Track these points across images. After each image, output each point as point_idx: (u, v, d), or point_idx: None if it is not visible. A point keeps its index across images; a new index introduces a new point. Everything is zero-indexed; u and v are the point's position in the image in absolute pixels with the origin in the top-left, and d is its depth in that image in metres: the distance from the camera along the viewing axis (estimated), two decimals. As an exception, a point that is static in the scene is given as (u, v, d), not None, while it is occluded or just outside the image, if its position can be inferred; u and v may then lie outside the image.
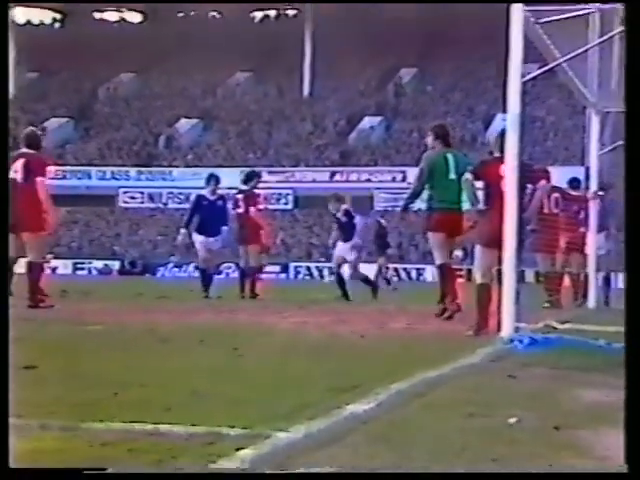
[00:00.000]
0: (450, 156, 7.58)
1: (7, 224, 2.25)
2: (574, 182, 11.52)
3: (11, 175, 8.04)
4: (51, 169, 8.91)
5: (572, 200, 10.82)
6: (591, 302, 10.18)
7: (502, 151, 6.11)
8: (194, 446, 2.33)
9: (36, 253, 8.20)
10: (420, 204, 8.10)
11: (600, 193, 10.17)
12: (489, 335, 5.79)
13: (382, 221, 20.75)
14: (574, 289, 11.09)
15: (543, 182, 6.46)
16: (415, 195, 7.83)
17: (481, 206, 6.28)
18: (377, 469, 2.17)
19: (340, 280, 12.05)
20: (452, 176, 7.46)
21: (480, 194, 6.34)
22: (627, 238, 2.22)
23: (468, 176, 6.33)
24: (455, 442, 2.54)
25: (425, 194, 7.75)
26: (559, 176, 12.06)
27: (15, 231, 7.87)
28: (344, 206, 12.34)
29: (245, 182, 12.08)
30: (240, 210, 11.67)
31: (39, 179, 8.20)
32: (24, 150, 8.44)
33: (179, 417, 2.67)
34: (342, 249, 11.97)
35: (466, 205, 6.54)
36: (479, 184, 6.34)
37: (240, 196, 11.79)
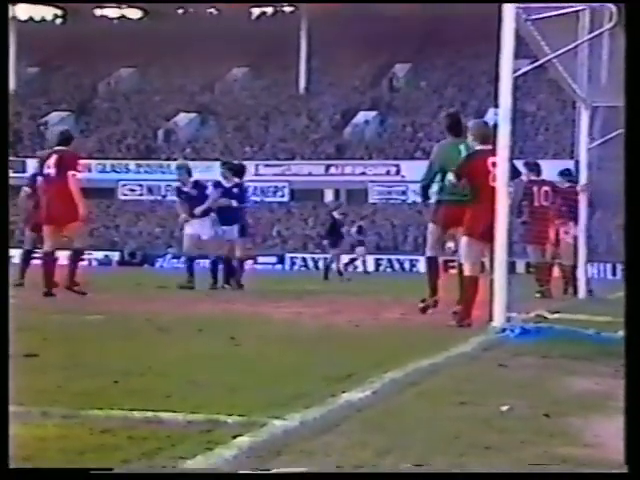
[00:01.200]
0: (462, 147, 7.11)
1: (7, 223, 2.30)
2: (565, 172, 11.61)
3: (45, 171, 8.69)
4: (82, 164, 9.37)
5: (562, 193, 10.94)
6: (581, 292, 10.29)
7: (483, 142, 6.15)
8: (193, 433, 2.35)
9: (80, 240, 8.86)
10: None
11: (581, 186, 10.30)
12: (471, 326, 5.84)
13: (336, 214, 21.06)
14: (564, 280, 11.21)
15: (518, 179, 6.48)
16: (427, 187, 7.48)
17: (467, 199, 6.29)
18: (376, 465, 2.19)
19: (190, 267, 11.64)
20: None
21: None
22: (627, 234, 2.26)
23: (451, 179, 6.32)
24: (448, 430, 2.57)
25: (436, 186, 7.41)
26: (550, 170, 12.17)
27: (49, 223, 8.62)
28: (192, 178, 11.71)
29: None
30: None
31: (71, 173, 8.62)
32: (57, 147, 8.86)
33: (178, 405, 2.70)
34: (196, 226, 11.48)
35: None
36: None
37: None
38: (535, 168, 11.05)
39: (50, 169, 8.65)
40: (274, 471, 2.02)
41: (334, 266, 20.06)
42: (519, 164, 7.12)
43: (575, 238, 10.55)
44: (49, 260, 8.78)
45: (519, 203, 9.54)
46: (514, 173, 6.29)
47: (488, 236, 5.69)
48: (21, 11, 52.79)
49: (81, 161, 9.20)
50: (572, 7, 6.44)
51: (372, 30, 46.86)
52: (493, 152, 5.89)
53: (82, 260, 9.21)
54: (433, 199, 7.47)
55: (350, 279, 18.87)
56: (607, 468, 2.19)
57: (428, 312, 7.07)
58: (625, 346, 2.09)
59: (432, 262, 7.41)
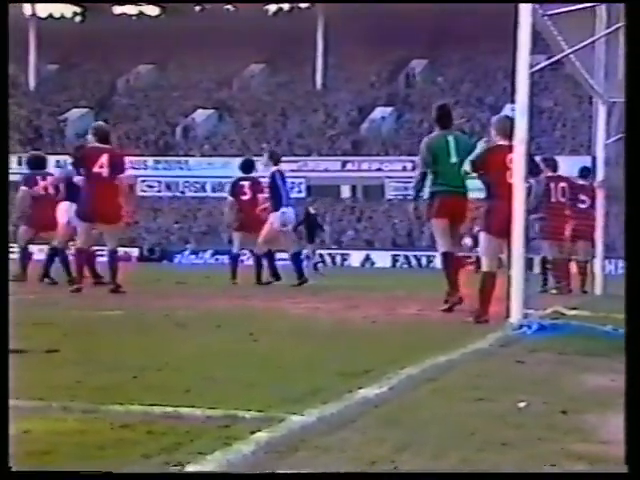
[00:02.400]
0: (451, 138, 7.18)
1: (7, 222, 2.33)
2: (584, 171, 11.59)
3: (95, 170, 8.65)
4: (130, 163, 9.46)
5: (579, 189, 10.91)
6: (598, 289, 10.24)
7: (504, 138, 6.13)
8: (211, 429, 2.36)
9: (117, 243, 8.90)
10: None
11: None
12: (489, 322, 5.82)
13: (311, 209, 21.21)
14: (581, 276, 11.18)
15: (542, 176, 6.47)
16: (421, 181, 7.38)
17: (484, 194, 6.28)
18: (393, 461, 2.18)
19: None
20: (453, 159, 7.08)
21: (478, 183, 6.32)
22: (627, 230, 2.26)
23: (466, 168, 6.29)
24: (464, 426, 2.57)
25: (427, 179, 7.37)
26: (567, 166, 12.11)
27: (95, 220, 8.71)
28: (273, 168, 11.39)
29: (245, 170, 11.95)
30: (246, 197, 11.59)
31: (123, 176, 8.81)
32: (100, 145, 8.85)
33: (196, 400, 2.71)
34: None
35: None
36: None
37: (246, 183, 11.69)
38: (552, 164, 11.02)
39: (102, 169, 8.66)
40: (276, 471, 2.02)
41: (310, 262, 20.15)
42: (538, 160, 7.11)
43: (592, 234, 10.51)
44: (81, 256, 8.91)
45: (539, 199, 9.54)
46: (536, 170, 6.29)
47: (506, 232, 5.68)
48: (41, 9, 53.24)
49: (128, 161, 9.45)
50: (587, 1, 6.40)
51: (388, 26, 46.80)
52: (512, 148, 5.87)
53: (119, 259, 9.31)
54: (426, 193, 7.36)
55: (324, 274, 18.95)
56: (623, 465, 2.19)
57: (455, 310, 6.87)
58: (625, 345, 2.08)
59: (448, 257, 7.18)
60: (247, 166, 12.10)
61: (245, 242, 11.75)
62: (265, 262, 11.38)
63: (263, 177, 11.77)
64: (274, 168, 11.19)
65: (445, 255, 7.21)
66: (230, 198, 11.87)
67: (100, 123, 9.67)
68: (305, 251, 19.74)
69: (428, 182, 7.31)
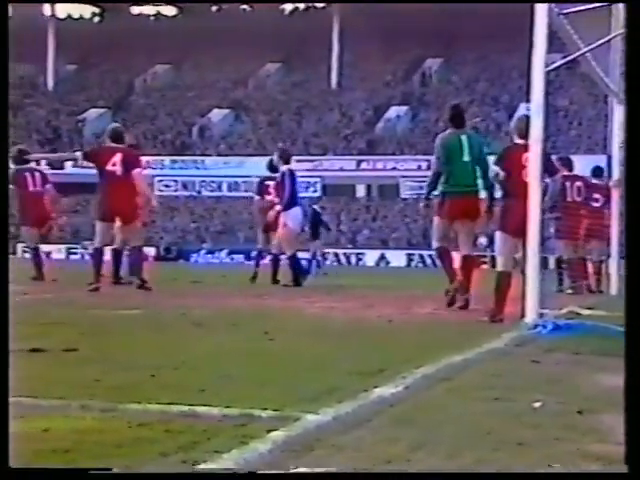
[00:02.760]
0: (464, 137, 7.23)
1: (7, 222, 2.35)
2: (597, 171, 11.52)
3: (109, 168, 8.69)
4: (144, 162, 9.56)
5: (594, 188, 10.85)
6: (613, 289, 10.20)
7: (522, 137, 6.12)
8: (227, 427, 2.37)
9: (138, 239, 8.97)
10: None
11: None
12: (504, 322, 5.81)
13: (316, 207, 21.29)
14: (596, 276, 11.12)
15: (558, 175, 6.47)
16: (435, 180, 7.43)
17: (501, 194, 6.28)
18: (408, 460, 2.19)
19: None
20: (466, 158, 7.14)
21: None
22: (627, 230, 2.25)
23: (496, 169, 6.31)
24: (480, 425, 2.57)
25: (441, 179, 7.39)
26: (583, 165, 12.06)
27: (112, 220, 8.83)
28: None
29: (272, 169, 11.87)
30: (271, 197, 11.50)
31: (136, 171, 8.80)
32: (113, 144, 8.92)
33: (212, 399, 2.73)
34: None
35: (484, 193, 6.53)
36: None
37: (271, 183, 11.60)
38: (567, 163, 10.98)
39: (115, 167, 8.71)
40: (275, 471, 2.02)
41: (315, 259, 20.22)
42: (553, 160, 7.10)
43: (607, 234, 10.48)
44: (98, 255, 8.95)
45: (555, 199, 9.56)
46: (552, 169, 6.29)
47: (522, 231, 5.67)
48: (59, 9, 53.60)
49: (142, 160, 9.40)
50: (603, 1, 6.38)
51: (403, 25, 46.76)
52: (528, 147, 5.87)
53: (145, 258, 9.42)
54: (438, 192, 7.41)
55: (327, 273, 18.94)
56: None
57: (457, 300, 7.05)
58: (625, 345, 2.07)
59: (441, 250, 7.38)
60: (273, 165, 12.09)
61: (271, 242, 11.70)
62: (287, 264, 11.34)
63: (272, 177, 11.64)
64: (284, 167, 11.11)
65: (438, 249, 7.46)
66: (257, 197, 11.86)
67: (114, 124, 9.74)
68: (311, 249, 19.93)
69: (441, 180, 7.36)
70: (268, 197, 11.54)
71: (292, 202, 10.98)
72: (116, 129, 9.31)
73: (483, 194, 7.24)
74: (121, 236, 9.40)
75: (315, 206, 21.49)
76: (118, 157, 8.72)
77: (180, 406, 2.61)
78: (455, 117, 7.38)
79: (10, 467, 1.86)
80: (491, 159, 6.83)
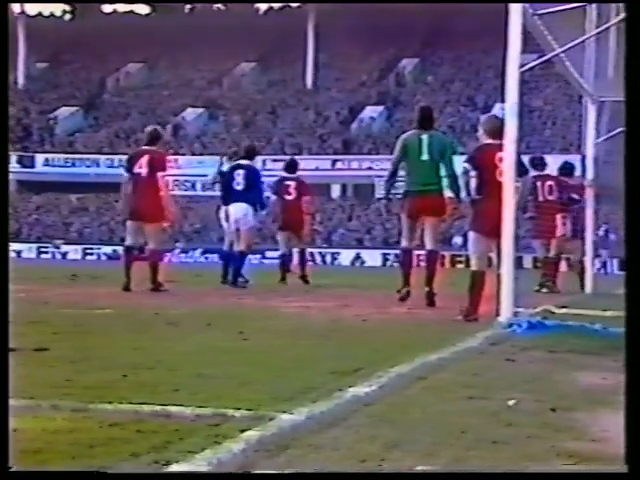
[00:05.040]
0: (425, 137, 7.45)
1: (7, 222, 2.32)
2: (566, 165, 11.58)
3: (136, 170, 8.95)
4: (171, 164, 9.56)
5: (567, 187, 10.95)
6: (588, 287, 10.31)
7: (492, 137, 6.15)
8: (201, 427, 2.36)
9: (157, 242, 9.05)
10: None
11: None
12: (478, 321, 5.86)
13: None
14: (579, 276, 11.19)
15: (528, 175, 6.55)
16: (390, 177, 7.79)
17: (475, 194, 6.30)
18: (383, 459, 2.18)
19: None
20: (424, 157, 7.39)
21: (474, 182, 6.36)
22: (627, 230, 2.26)
23: (466, 166, 6.34)
24: (455, 424, 2.58)
25: (397, 177, 7.76)
26: (557, 164, 12.17)
27: (137, 220, 8.93)
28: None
29: (290, 170, 11.93)
30: (291, 197, 11.60)
31: (161, 174, 8.95)
32: (146, 147, 9.13)
33: (187, 399, 2.72)
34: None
35: (463, 194, 6.60)
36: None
37: (292, 183, 11.68)
38: (539, 162, 11.06)
39: (142, 169, 8.89)
40: (275, 471, 2.01)
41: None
42: (525, 160, 7.15)
43: (582, 232, 10.58)
44: (129, 255, 9.11)
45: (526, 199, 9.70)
46: (522, 169, 6.32)
47: (495, 231, 5.69)
48: (30, 7, 53.10)
49: (169, 162, 9.48)
50: (577, 0, 6.43)
51: (379, 25, 46.96)
52: (501, 147, 5.90)
53: (161, 260, 9.43)
54: (401, 191, 7.67)
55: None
56: (614, 463, 2.19)
57: (407, 302, 7.34)
58: (625, 345, 2.08)
59: (405, 254, 7.72)
60: (291, 166, 12.05)
61: (289, 241, 11.74)
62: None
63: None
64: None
65: (404, 251, 7.75)
66: (274, 197, 11.89)
67: (150, 127, 9.74)
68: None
69: (403, 180, 7.64)
70: (288, 197, 11.57)
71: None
72: (149, 131, 9.47)
73: (448, 192, 7.43)
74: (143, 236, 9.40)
75: None
76: (144, 159, 8.94)
77: (153, 406, 2.59)
78: (422, 119, 7.59)
79: (9, 469, 1.85)
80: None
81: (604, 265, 27.39)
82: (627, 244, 2.18)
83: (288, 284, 11.13)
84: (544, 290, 10.25)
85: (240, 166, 10.50)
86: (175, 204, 9.51)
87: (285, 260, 11.75)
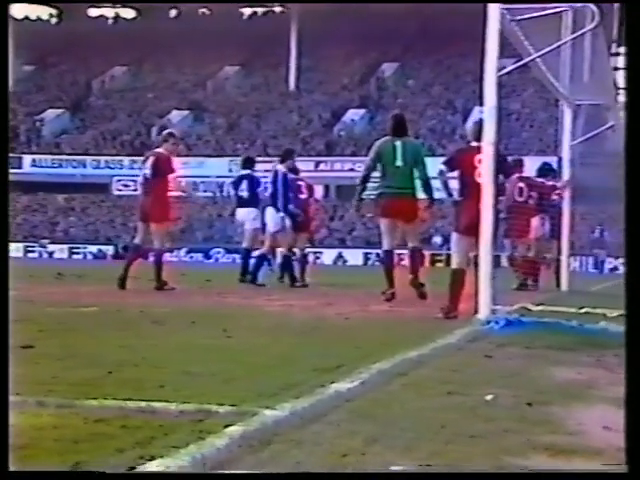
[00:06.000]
0: (398, 144, 7.71)
1: (7, 222, 2.35)
2: (545, 166, 11.73)
3: (143, 171, 9.18)
4: (178, 166, 9.59)
5: (539, 188, 11.08)
6: (563, 285, 10.44)
7: (477, 139, 6.23)
8: (185, 423, 2.38)
9: (161, 242, 9.17)
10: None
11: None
12: (457, 318, 5.92)
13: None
14: (555, 274, 11.33)
15: (514, 177, 6.66)
16: (362, 181, 7.99)
17: (456, 195, 6.39)
18: (364, 454, 2.21)
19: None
20: (398, 163, 7.66)
21: (455, 183, 6.44)
22: (627, 230, 2.31)
23: (442, 167, 6.43)
24: (435, 419, 2.61)
25: (377, 182, 7.98)
26: (534, 166, 12.32)
27: (143, 220, 9.11)
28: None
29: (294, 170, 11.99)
30: (303, 196, 11.72)
31: (171, 176, 9.12)
32: (156, 149, 9.33)
33: (171, 395, 2.73)
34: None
35: (442, 195, 6.73)
36: (454, 173, 6.43)
37: (302, 183, 11.84)
38: (519, 164, 11.16)
39: (147, 170, 9.04)
40: (274, 471, 2.03)
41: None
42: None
43: (556, 232, 10.73)
44: (135, 253, 9.26)
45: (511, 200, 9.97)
46: (508, 171, 6.47)
47: (475, 231, 5.76)
48: (17, 10, 52.82)
49: (176, 165, 9.51)
50: (557, 7, 6.52)
51: (361, 29, 47.20)
52: (480, 149, 5.96)
53: (163, 259, 9.48)
54: (375, 193, 7.95)
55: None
56: (588, 455, 2.22)
57: (391, 303, 7.47)
58: (625, 345, 2.13)
59: (387, 255, 7.93)
60: (292, 169, 12.22)
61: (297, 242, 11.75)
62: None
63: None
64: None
65: (386, 253, 7.94)
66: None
67: (167, 130, 9.92)
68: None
69: (377, 184, 7.92)
70: (301, 196, 11.67)
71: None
72: (163, 134, 9.65)
73: (421, 195, 7.71)
74: (148, 236, 9.46)
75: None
76: (150, 161, 9.08)
77: (137, 402, 2.61)
78: (395, 126, 7.86)
79: (9, 470, 1.86)
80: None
81: (601, 264, 27.41)
82: (627, 244, 2.23)
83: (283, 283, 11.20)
84: (513, 287, 10.33)
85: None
86: (176, 207, 9.67)
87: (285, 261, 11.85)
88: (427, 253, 26.46)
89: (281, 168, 10.94)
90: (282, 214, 10.64)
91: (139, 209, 9.35)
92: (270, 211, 10.73)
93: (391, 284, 7.71)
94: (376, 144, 7.95)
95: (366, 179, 7.94)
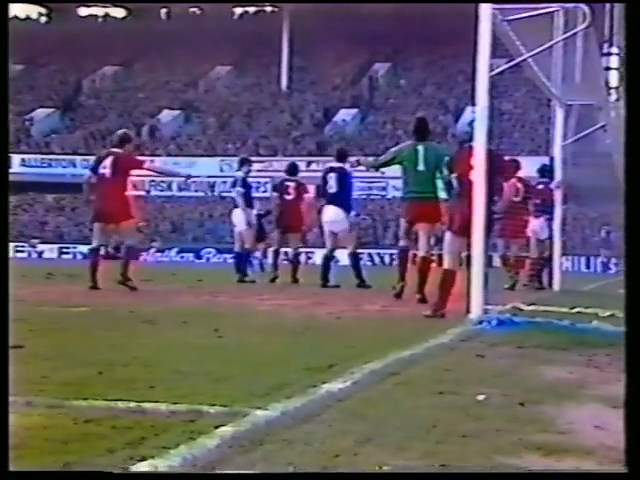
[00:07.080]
0: (420, 148, 7.84)
1: (7, 222, 2.33)
2: (544, 168, 11.77)
3: (100, 171, 9.02)
4: (138, 165, 9.47)
5: (532, 188, 11.15)
6: (555, 285, 10.50)
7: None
8: (176, 423, 2.37)
9: (133, 239, 9.20)
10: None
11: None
12: (445, 316, 5.95)
13: (262, 211, 21.70)
14: (537, 273, 11.41)
15: (513, 180, 6.74)
16: (378, 164, 8.44)
17: (451, 195, 6.42)
18: (356, 453, 2.21)
19: None
20: (420, 167, 7.81)
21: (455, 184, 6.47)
22: (627, 230, 2.32)
23: (445, 172, 6.51)
24: (426, 418, 2.62)
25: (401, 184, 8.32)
26: (526, 166, 12.37)
27: (102, 221, 8.98)
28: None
29: (291, 173, 12.35)
30: (290, 197, 11.93)
31: (126, 175, 9.00)
32: (113, 149, 9.19)
33: (162, 395, 2.73)
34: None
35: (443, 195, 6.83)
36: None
37: (291, 184, 12.04)
38: (515, 165, 11.19)
39: (106, 170, 8.93)
40: (273, 471, 2.02)
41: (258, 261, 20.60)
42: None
43: (548, 232, 10.79)
44: (95, 256, 9.14)
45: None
46: (507, 172, 6.53)
47: (469, 231, 5.77)
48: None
49: (136, 164, 9.44)
50: (548, 7, 6.55)
51: (353, 29, 47.24)
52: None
53: (136, 257, 9.51)
54: (400, 195, 8.42)
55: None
56: (580, 454, 2.22)
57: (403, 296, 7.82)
58: (625, 345, 2.13)
59: (402, 252, 8.33)
60: (292, 169, 12.59)
61: (286, 241, 12.18)
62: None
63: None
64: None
65: (401, 249, 8.38)
66: (275, 194, 12.35)
67: (120, 131, 9.82)
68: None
69: (401, 188, 8.31)
70: (288, 197, 12.00)
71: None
72: (117, 134, 9.52)
73: (443, 195, 7.60)
74: (116, 236, 9.44)
75: (261, 211, 21.85)
76: (109, 160, 8.98)
77: (128, 402, 2.60)
78: (417, 129, 8.02)
79: (9, 470, 1.85)
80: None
81: (606, 264, 27.50)
82: (627, 244, 2.23)
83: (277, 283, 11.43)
84: (505, 286, 10.37)
85: (332, 169, 11.31)
86: (137, 205, 9.62)
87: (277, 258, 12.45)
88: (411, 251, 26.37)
89: (239, 174, 11.86)
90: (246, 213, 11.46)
91: (95, 210, 9.18)
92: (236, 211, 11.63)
93: (402, 278, 8.06)
94: (399, 146, 8.30)
95: (380, 165, 8.38)
